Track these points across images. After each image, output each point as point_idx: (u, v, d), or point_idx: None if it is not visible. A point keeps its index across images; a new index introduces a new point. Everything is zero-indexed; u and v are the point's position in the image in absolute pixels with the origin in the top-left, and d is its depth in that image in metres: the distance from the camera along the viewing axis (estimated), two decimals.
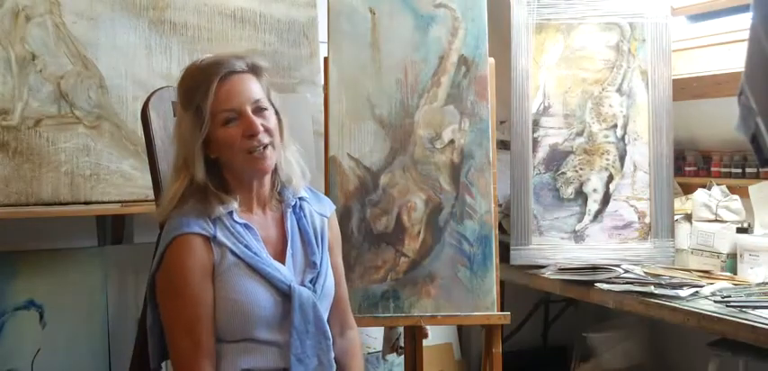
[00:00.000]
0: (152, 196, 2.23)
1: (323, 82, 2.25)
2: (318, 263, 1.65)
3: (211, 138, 1.55)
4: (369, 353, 2.84)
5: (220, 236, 1.55)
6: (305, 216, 1.68)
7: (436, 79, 2.18)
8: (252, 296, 1.53)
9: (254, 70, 1.60)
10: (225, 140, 1.55)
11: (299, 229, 1.67)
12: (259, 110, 1.57)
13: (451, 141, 2.17)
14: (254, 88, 1.58)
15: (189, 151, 1.55)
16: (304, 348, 1.56)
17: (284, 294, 1.56)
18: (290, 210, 1.67)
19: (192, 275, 1.52)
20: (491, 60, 2.20)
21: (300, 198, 1.70)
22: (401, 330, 2.36)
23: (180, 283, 1.52)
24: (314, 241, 1.67)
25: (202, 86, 1.53)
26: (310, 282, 1.62)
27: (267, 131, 1.57)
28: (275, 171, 1.65)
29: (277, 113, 1.63)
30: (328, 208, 1.77)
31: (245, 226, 1.58)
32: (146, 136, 1.79)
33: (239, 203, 1.60)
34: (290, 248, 1.63)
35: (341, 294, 1.75)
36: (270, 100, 1.62)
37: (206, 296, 1.53)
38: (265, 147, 1.57)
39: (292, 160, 1.67)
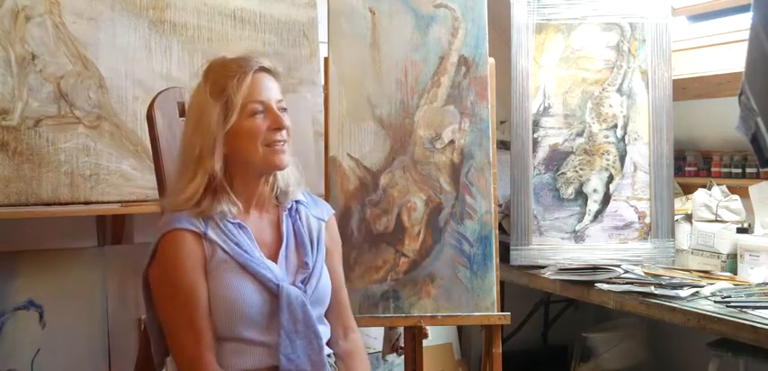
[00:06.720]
0: (152, 196, 2.23)
1: (323, 82, 2.25)
2: (311, 264, 1.65)
3: (232, 130, 1.57)
4: (369, 353, 2.83)
5: (211, 234, 1.56)
6: (300, 219, 1.70)
7: (436, 79, 2.18)
8: (239, 293, 1.54)
9: (276, 75, 1.65)
10: (249, 131, 1.57)
11: (294, 231, 1.68)
12: (282, 110, 1.62)
13: (451, 142, 2.17)
14: (279, 89, 1.64)
15: (209, 143, 1.56)
16: (294, 348, 1.56)
17: (273, 293, 1.57)
18: (285, 212, 1.68)
19: (186, 268, 1.54)
20: (491, 60, 2.20)
21: (297, 201, 1.72)
22: (401, 330, 2.36)
23: (175, 277, 1.54)
24: (308, 243, 1.67)
25: (237, 76, 1.56)
26: (301, 282, 1.62)
27: (287, 129, 1.62)
28: (274, 175, 1.67)
29: None
30: (326, 212, 1.77)
31: (239, 225, 1.60)
32: (151, 137, 1.80)
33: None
34: (284, 249, 1.64)
35: (341, 298, 1.76)
36: None
37: (201, 289, 1.54)
38: (284, 143, 1.61)
39: (293, 167, 1.70)
